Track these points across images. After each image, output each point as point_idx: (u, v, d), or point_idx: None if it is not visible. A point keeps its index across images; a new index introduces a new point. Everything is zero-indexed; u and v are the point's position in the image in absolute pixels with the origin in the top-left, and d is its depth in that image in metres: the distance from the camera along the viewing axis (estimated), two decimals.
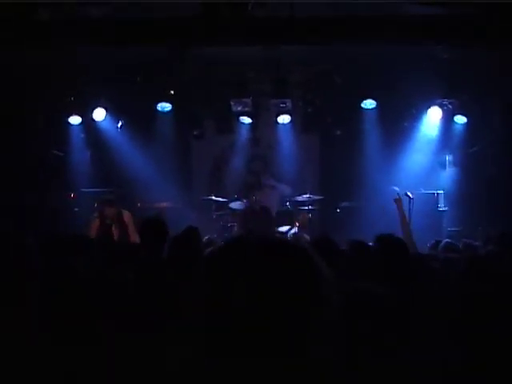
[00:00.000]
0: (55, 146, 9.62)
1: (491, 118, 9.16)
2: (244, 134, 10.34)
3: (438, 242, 5.62)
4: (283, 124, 9.91)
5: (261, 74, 9.48)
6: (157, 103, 9.45)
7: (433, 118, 9.34)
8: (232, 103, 9.49)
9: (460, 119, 9.30)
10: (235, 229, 9.19)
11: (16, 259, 2.48)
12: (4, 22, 6.18)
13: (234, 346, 1.16)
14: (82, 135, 9.72)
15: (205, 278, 1.23)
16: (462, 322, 2.26)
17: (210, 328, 1.19)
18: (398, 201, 6.67)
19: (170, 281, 3.36)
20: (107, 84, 9.25)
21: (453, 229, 8.96)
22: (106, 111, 9.35)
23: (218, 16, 6.09)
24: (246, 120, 9.91)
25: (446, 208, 9.36)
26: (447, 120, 9.35)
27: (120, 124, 9.61)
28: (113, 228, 7.31)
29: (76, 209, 9.37)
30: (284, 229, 8.87)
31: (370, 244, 4.01)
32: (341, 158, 9.81)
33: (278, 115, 9.76)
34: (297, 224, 8.86)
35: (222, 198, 9.59)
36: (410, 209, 7.27)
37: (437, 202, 9.31)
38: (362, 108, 9.47)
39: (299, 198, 9.48)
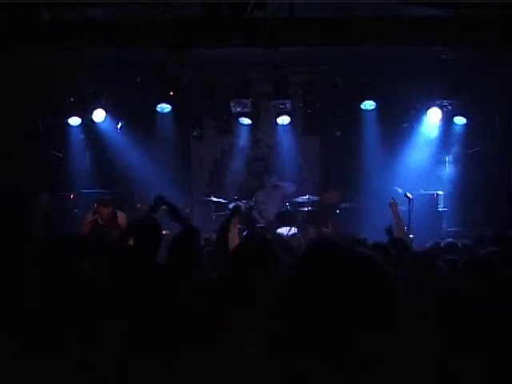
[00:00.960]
0: (55, 147, 9.61)
1: (491, 120, 9.16)
2: (244, 135, 10.34)
3: (437, 243, 5.63)
4: (283, 125, 9.92)
5: (261, 75, 9.47)
6: (157, 104, 9.44)
7: (432, 119, 9.35)
8: (232, 104, 9.49)
9: (459, 120, 9.31)
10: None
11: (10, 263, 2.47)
12: (4, 22, 6.18)
13: (316, 347, 1.19)
14: (82, 136, 9.72)
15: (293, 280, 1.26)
16: (461, 321, 2.27)
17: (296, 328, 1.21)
18: (392, 205, 6.68)
19: (169, 281, 3.37)
20: (107, 85, 9.25)
21: (452, 229, 8.96)
22: (106, 112, 9.34)
23: (217, 17, 6.08)
24: (246, 121, 9.91)
25: (446, 208, 9.35)
26: (447, 121, 9.37)
27: (120, 125, 9.61)
28: (105, 228, 7.30)
29: (76, 210, 9.36)
30: (283, 230, 8.84)
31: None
32: (340, 159, 9.81)
33: (277, 116, 9.76)
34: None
35: (222, 199, 9.57)
36: (409, 209, 7.29)
37: (436, 203, 9.31)
38: (361, 109, 9.46)
39: (299, 199, 9.47)
